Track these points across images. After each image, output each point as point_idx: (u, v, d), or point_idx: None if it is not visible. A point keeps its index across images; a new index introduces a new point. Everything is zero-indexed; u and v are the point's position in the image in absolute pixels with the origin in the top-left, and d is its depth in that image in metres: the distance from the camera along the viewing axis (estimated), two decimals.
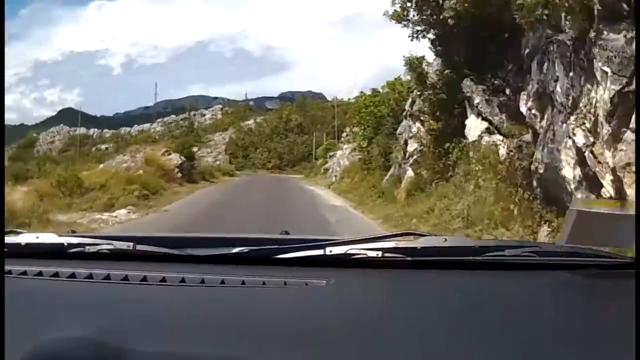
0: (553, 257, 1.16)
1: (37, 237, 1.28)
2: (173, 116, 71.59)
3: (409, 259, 1.13)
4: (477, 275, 1.12)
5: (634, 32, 3.07)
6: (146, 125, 66.47)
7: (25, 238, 1.28)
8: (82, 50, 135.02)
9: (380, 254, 1.14)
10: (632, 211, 1.15)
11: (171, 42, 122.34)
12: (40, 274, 1.09)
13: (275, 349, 0.78)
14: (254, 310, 0.95)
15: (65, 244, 1.25)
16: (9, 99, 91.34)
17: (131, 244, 1.21)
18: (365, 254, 1.14)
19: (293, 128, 60.06)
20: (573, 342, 0.81)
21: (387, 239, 1.19)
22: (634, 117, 3.90)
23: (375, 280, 1.12)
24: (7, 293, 0.89)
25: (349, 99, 55.84)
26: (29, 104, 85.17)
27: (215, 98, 73.39)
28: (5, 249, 1.16)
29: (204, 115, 73.85)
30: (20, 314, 0.88)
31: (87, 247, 1.24)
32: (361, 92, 23.51)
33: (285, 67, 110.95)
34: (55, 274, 1.08)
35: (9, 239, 1.25)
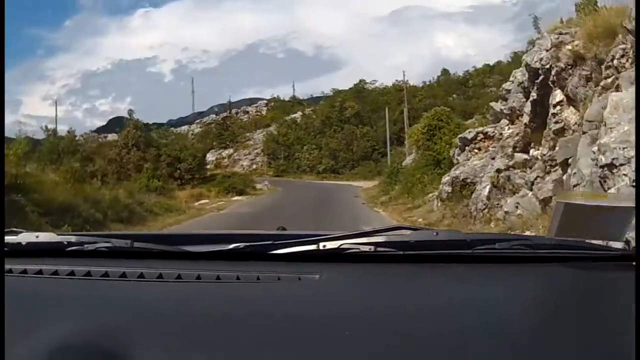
0: (544, 249, 1.21)
1: (37, 237, 1.36)
2: (213, 116, 66.60)
3: (401, 252, 1.20)
4: (469, 268, 1.19)
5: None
6: (184, 128, 60.54)
7: (25, 237, 1.35)
8: (131, 59, 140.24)
9: (372, 248, 1.20)
10: (619, 203, 1.19)
11: (221, 46, 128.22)
12: (40, 272, 1.17)
13: (270, 342, 0.84)
14: (249, 305, 1.02)
15: (65, 242, 1.33)
16: (60, 111, 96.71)
17: (129, 241, 1.29)
18: (358, 249, 1.20)
19: (349, 118, 48.42)
20: (567, 334, 0.86)
21: (380, 234, 1.25)
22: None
23: (368, 274, 1.19)
24: (9, 292, 0.97)
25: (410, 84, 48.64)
26: (81, 115, 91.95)
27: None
28: (6, 248, 1.26)
29: (247, 112, 67.15)
30: (22, 312, 0.95)
31: (86, 246, 1.31)
32: None
33: (336, 65, 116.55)
34: (55, 272, 1.16)
35: (9, 239, 1.32)
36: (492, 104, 13.32)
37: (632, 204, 1.15)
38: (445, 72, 56.20)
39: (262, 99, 67.91)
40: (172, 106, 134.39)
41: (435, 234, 1.27)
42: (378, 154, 42.82)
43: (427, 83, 53.28)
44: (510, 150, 10.29)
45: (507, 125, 11.71)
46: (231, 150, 55.94)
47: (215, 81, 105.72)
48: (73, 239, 1.35)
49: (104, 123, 68.22)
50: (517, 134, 10.44)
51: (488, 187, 9.95)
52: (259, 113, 64.20)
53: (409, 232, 1.27)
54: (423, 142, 17.77)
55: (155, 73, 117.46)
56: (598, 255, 1.19)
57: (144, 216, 14.28)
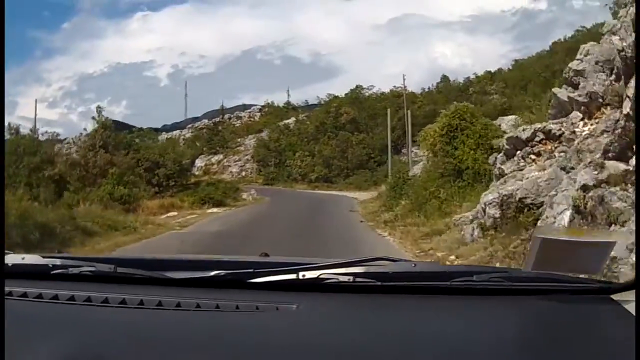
0: (522, 282, 1.24)
1: (23, 258, 1.39)
2: (205, 121, 64.18)
3: (380, 283, 1.22)
4: (446, 300, 1.21)
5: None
6: (176, 132, 60.27)
7: (12, 259, 1.38)
8: (128, 62, 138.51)
9: (351, 278, 1.23)
10: (595, 239, 1.24)
11: (219, 52, 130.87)
12: (24, 295, 1.20)
13: None
14: (227, 335, 1.06)
15: (50, 265, 1.37)
16: (54, 114, 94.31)
17: (112, 266, 1.32)
18: (337, 279, 1.23)
19: (345, 124, 45.30)
20: None
21: (359, 264, 1.28)
22: None
23: (346, 305, 1.22)
24: None
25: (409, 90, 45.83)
26: (76, 118, 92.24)
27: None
28: None
29: (240, 117, 65.31)
30: (6, 336, 0.96)
31: (70, 269, 1.34)
32: None
33: (333, 72, 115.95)
34: (39, 295, 1.20)
35: None
36: (556, 90, 9.41)
37: (608, 239, 1.20)
38: (445, 78, 53.57)
39: (257, 105, 67.05)
40: (167, 111, 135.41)
41: (413, 265, 1.32)
42: (374, 163, 40.55)
43: (426, 90, 51.94)
44: (598, 156, 6.57)
45: (582, 119, 8.02)
46: (221, 156, 52.79)
47: (212, 87, 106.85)
48: (58, 262, 1.38)
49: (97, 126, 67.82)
50: (607, 132, 6.72)
51: (568, 212, 6.21)
52: (252, 119, 62.97)
53: (388, 262, 1.30)
54: (441, 147, 13.92)
55: (151, 77, 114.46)
56: (575, 288, 1.21)
57: (70, 236, 10.43)
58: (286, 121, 52.06)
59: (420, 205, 13.68)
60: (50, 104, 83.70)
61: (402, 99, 45.12)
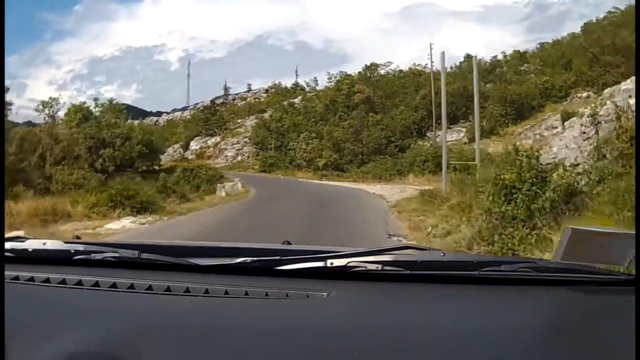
0: (549, 273, 1.28)
1: (44, 244, 1.41)
2: (206, 101, 58.92)
3: (408, 272, 1.26)
4: (474, 290, 1.25)
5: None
6: (177, 114, 56.30)
7: (32, 244, 1.40)
8: (139, 46, 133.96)
9: (380, 267, 1.26)
10: (626, 230, 1.27)
11: (230, 36, 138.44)
12: (47, 280, 1.22)
13: (278, 359, 0.90)
14: (258, 320, 1.08)
15: (72, 251, 1.38)
16: (64, 97, 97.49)
17: (136, 252, 1.35)
18: (365, 267, 1.26)
19: (358, 104, 38.57)
20: (571, 357, 0.92)
21: (387, 253, 1.31)
22: None
23: (375, 293, 1.25)
24: (16, 299, 1.02)
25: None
26: (86, 101, 74.15)
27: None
28: (13, 254, 1.33)
29: (245, 99, 59.46)
30: (28, 321, 0.98)
31: (93, 255, 1.36)
32: None
33: (345, 59, 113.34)
34: (63, 281, 1.21)
35: (16, 245, 1.39)
36: None
37: (634, 231, 1.25)
38: (468, 57, 47.77)
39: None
40: (178, 95, 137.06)
41: (442, 254, 1.34)
42: (395, 148, 34.41)
43: (449, 70, 48.15)
44: None
45: None
46: (218, 139, 46.51)
47: (222, 71, 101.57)
48: (80, 247, 1.40)
49: None
50: None
51: None
52: (257, 99, 58.87)
53: (416, 251, 1.34)
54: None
55: (162, 61, 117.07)
56: (602, 279, 1.26)
57: None
58: (292, 100, 48.09)
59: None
60: (59, 87, 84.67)
61: (423, 77, 40.81)
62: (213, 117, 49.20)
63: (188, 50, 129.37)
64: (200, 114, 51.52)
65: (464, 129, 34.93)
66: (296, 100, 47.14)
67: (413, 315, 1.10)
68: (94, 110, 27.24)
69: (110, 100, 30.69)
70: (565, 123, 32.19)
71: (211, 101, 55.93)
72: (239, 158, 42.96)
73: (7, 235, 1.40)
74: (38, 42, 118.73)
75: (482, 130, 23.47)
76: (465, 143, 31.40)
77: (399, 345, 0.91)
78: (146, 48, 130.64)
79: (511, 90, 34.50)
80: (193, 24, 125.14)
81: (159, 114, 60.28)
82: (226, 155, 43.82)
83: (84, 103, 26.40)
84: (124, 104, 28.74)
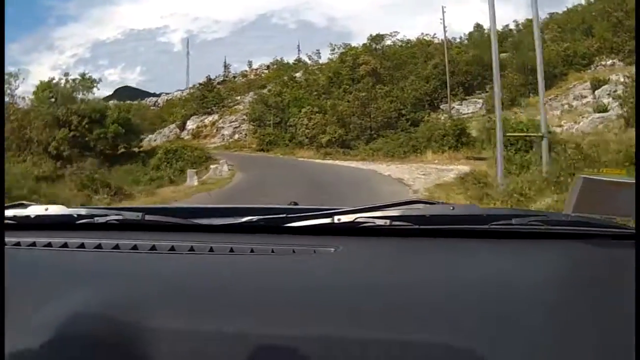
0: (561, 226, 1.27)
1: (46, 209, 1.41)
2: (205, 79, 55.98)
3: (417, 227, 1.26)
4: (485, 243, 1.26)
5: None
6: (177, 93, 54.03)
7: (34, 210, 1.40)
8: (142, 28, 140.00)
9: (388, 222, 1.26)
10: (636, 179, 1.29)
11: (233, 16, 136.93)
12: (49, 244, 1.21)
13: (284, 316, 0.88)
14: (263, 277, 1.08)
15: (75, 215, 1.39)
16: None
17: (140, 214, 1.35)
18: (373, 222, 1.26)
19: (364, 76, 35.26)
20: (582, 310, 0.92)
21: (396, 207, 1.31)
22: None
23: (383, 248, 1.26)
24: (17, 264, 1.03)
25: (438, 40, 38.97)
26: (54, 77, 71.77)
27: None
28: (14, 221, 1.35)
29: (246, 75, 56.80)
30: (30, 284, 0.98)
31: (96, 218, 1.37)
32: None
33: (348, 37, 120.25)
34: (64, 245, 1.21)
35: (17, 212, 1.39)
36: None
37: None
38: (478, 27, 44.81)
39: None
40: (182, 76, 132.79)
41: (451, 208, 1.33)
42: (406, 122, 31.26)
43: (459, 40, 46.73)
44: None
45: None
46: (216, 117, 43.75)
47: (225, 52, 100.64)
48: (83, 211, 1.41)
49: (111, 93, 65.74)
50: None
51: None
52: (257, 75, 56.83)
53: (425, 206, 1.34)
54: None
55: (165, 43, 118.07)
56: (614, 232, 1.26)
57: None
58: (294, 74, 45.04)
59: None
60: (63, 71, 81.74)
61: (432, 47, 37.81)
62: (210, 94, 47.03)
63: (191, 32, 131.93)
64: (197, 91, 49.62)
65: (480, 100, 33.56)
66: (298, 74, 44.11)
67: (422, 271, 1.10)
68: (65, 86, 24.67)
69: (83, 75, 28.33)
70: (597, 92, 28.20)
71: (207, 77, 52.64)
72: (236, 136, 40.67)
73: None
74: (41, 28, 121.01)
75: (502, 101, 20.71)
76: (482, 115, 28.59)
77: (407, 300, 0.90)
78: (149, 30, 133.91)
79: (532, 57, 31.64)
80: (196, 5, 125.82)
81: (158, 95, 59.60)
82: (223, 134, 41.79)
83: (52, 79, 23.98)
84: (98, 80, 25.25)
